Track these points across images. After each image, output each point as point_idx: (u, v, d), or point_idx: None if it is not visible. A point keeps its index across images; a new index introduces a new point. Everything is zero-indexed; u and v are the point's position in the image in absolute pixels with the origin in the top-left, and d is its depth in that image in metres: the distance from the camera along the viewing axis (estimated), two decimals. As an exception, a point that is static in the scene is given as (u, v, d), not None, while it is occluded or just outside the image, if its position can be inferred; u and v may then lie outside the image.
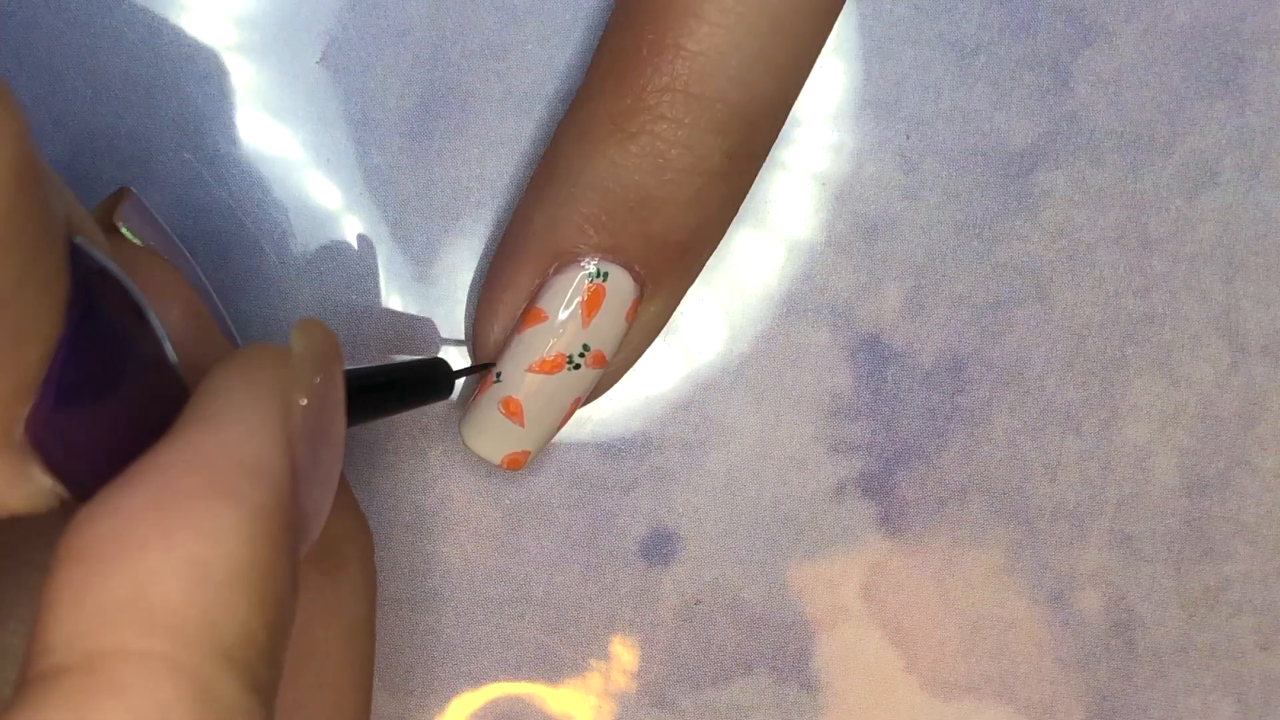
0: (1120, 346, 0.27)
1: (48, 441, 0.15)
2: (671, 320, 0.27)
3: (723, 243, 0.26)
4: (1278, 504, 0.28)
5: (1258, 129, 0.27)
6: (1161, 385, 0.27)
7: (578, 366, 0.24)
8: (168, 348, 0.16)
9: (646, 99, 0.23)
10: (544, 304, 0.24)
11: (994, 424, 0.27)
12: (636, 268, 0.24)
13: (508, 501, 0.27)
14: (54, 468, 0.15)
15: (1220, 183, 0.27)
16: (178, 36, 0.25)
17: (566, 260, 0.24)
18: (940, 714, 0.28)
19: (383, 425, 0.27)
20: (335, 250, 0.26)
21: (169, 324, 0.18)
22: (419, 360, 0.24)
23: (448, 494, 0.27)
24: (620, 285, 0.24)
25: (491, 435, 0.25)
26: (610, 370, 0.25)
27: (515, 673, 0.28)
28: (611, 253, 0.24)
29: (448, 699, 0.28)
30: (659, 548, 0.27)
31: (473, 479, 0.27)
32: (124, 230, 0.20)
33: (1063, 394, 0.27)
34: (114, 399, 0.15)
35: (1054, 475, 0.28)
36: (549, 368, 0.24)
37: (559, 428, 0.25)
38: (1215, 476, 0.28)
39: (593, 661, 0.28)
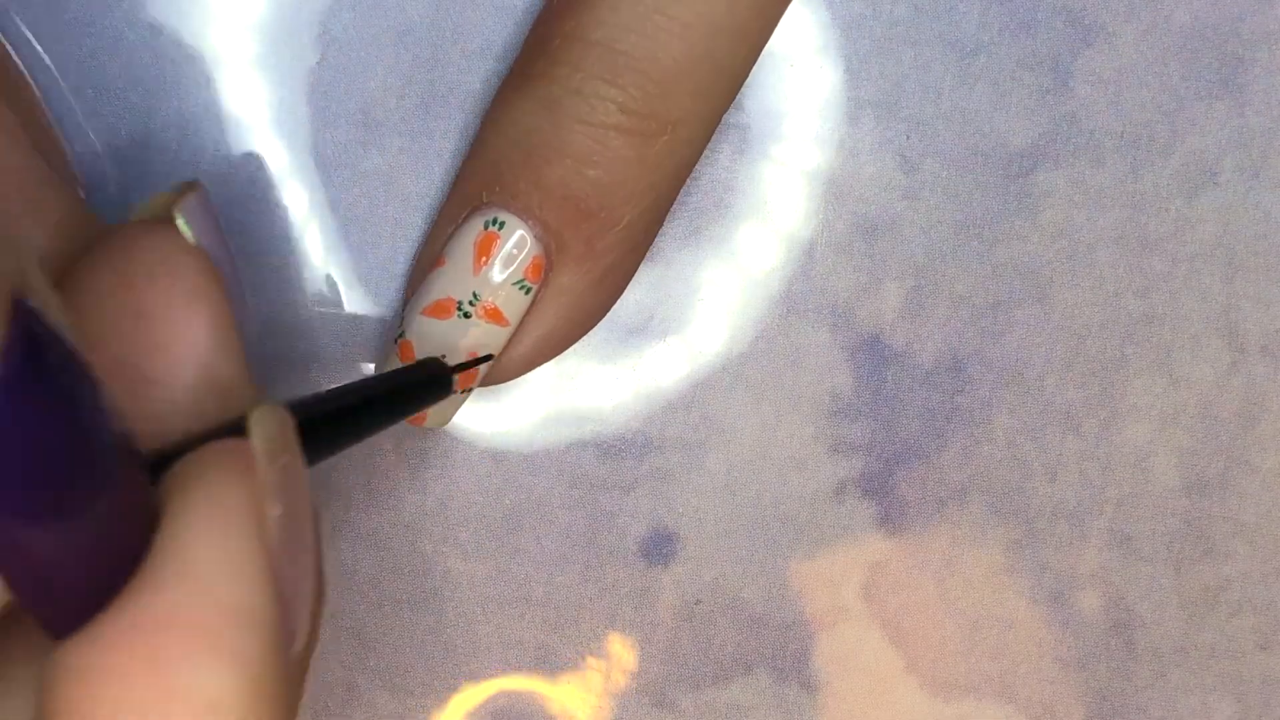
0: (1120, 346, 0.27)
1: None
2: (671, 319, 0.27)
3: (722, 240, 0.26)
4: (1278, 504, 0.28)
5: (1258, 129, 0.27)
6: (1161, 385, 0.27)
7: (468, 315, 0.23)
8: (120, 431, 0.14)
9: (550, 45, 0.23)
10: (446, 251, 0.24)
11: (994, 424, 0.27)
12: (536, 224, 0.23)
13: (508, 501, 0.27)
14: None
15: (1220, 183, 0.27)
16: (178, 37, 0.25)
17: (474, 210, 0.24)
18: (940, 714, 0.28)
19: (383, 425, 0.27)
20: (334, 252, 0.26)
21: (191, 333, 0.17)
22: (414, 363, 0.24)
23: (448, 494, 0.27)
24: (515, 236, 0.23)
25: None
26: (525, 345, 0.24)
27: (515, 672, 0.28)
28: (508, 200, 0.23)
29: (447, 698, 0.28)
30: (659, 548, 0.27)
31: (473, 479, 0.27)
32: (180, 222, 0.19)
33: (1063, 394, 0.27)
34: (61, 487, 0.13)
35: (1054, 475, 0.28)
36: (439, 312, 0.24)
37: (458, 386, 0.24)
38: (1215, 476, 0.28)
39: (593, 661, 0.28)
